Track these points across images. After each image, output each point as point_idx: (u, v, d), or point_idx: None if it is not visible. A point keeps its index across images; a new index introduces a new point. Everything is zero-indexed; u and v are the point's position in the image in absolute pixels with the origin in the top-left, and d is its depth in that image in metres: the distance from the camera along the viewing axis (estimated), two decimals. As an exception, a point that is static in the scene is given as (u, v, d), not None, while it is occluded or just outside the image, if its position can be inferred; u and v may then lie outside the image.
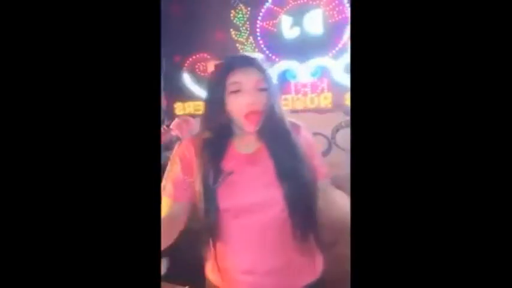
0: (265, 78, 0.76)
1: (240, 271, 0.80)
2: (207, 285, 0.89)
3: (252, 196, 0.75)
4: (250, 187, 0.75)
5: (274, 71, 1.77)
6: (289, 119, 0.83)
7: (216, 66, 0.79)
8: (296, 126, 0.83)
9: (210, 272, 0.87)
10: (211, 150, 0.78)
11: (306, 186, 0.76)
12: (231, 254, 0.80)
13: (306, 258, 0.84)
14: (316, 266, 0.89)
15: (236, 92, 0.74)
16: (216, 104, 0.77)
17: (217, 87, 0.77)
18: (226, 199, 0.75)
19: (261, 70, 0.76)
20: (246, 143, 0.81)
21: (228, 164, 0.77)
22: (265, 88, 0.75)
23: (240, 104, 0.74)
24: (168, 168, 0.84)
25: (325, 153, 1.74)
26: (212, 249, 0.81)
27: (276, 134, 0.78)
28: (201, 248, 0.84)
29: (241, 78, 0.74)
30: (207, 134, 0.79)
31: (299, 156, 0.77)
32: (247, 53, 0.83)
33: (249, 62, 0.76)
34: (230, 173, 0.75)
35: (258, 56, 0.80)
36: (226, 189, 0.75)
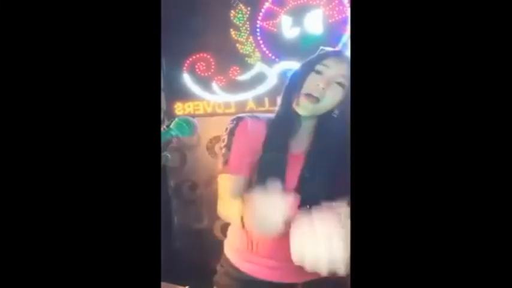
0: (348, 78, 0.75)
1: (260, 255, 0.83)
2: (225, 264, 0.92)
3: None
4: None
5: (274, 71, 1.78)
6: None
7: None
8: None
9: (230, 250, 0.91)
10: (277, 135, 0.81)
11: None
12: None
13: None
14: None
15: (315, 72, 0.76)
16: (294, 82, 0.80)
17: (303, 68, 0.80)
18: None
19: (349, 70, 0.74)
20: (298, 140, 0.81)
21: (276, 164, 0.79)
22: (342, 83, 0.75)
23: (310, 83, 0.76)
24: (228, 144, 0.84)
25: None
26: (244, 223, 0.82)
27: (325, 140, 0.78)
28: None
29: (329, 63, 0.76)
30: (276, 117, 0.82)
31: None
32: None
33: (345, 57, 0.78)
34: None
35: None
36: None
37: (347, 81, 0.75)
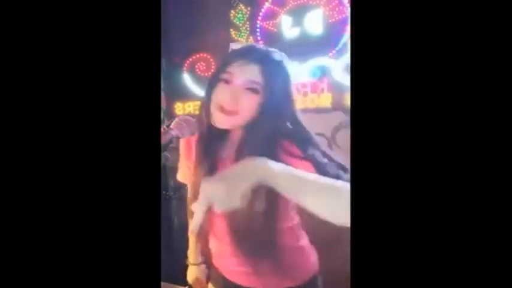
0: (263, 81, 0.68)
1: (234, 264, 0.82)
2: (212, 273, 0.94)
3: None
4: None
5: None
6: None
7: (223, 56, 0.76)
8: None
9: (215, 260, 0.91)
10: (206, 147, 0.78)
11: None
12: (224, 249, 0.82)
13: (299, 256, 0.84)
14: (310, 265, 0.88)
15: (223, 81, 0.70)
16: (206, 93, 0.74)
17: (213, 74, 0.74)
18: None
19: (263, 73, 0.69)
20: (225, 146, 0.78)
21: (219, 164, 0.78)
22: (254, 89, 0.68)
23: (220, 95, 0.70)
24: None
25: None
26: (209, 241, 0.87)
27: (253, 146, 0.69)
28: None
29: (235, 70, 0.69)
30: (201, 132, 0.77)
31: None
32: (266, 48, 0.74)
33: (255, 59, 0.70)
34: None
35: (276, 55, 0.73)
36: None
37: (258, 85, 0.68)
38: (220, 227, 0.80)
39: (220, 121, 0.71)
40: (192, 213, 0.86)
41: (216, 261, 0.91)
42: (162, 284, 0.88)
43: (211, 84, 0.73)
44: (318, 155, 0.66)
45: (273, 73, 0.70)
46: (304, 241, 0.88)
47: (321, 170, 0.63)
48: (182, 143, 0.87)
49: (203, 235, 0.93)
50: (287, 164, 0.55)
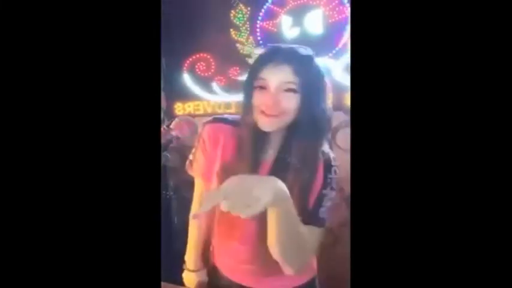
0: (298, 79, 0.69)
1: (238, 261, 0.82)
2: (211, 272, 0.93)
3: None
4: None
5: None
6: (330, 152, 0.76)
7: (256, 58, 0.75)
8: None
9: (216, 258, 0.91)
10: (246, 148, 0.76)
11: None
12: (231, 245, 0.83)
13: None
14: (310, 266, 0.88)
15: (259, 88, 0.71)
16: (245, 98, 0.75)
17: (246, 81, 0.74)
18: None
19: (295, 71, 0.69)
20: (264, 151, 0.78)
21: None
22: (292, 89, 0.69)
23: (261, 101, 0.70)
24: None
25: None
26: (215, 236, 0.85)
27: (296, 148, 0.72)
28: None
29: (268, 75, 0.70)
30: (243, 130, 0.77)
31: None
32: (291, 46, 0.74)
33: (284, 59, 0.70)
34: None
35: (303, 50, 0.73)
36: None
37: (294, 84, 0.69)
38: (231, 222, 0.79)
39: (265, 124, 0.71)
40: (196, 210, 0.86)
41: (218, 260, 0.90)
42: (162, 284, 0.88)
43: (247, 91, 0.74)
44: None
45: (306, 69, 0.70)
46: None
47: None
48: (206, 137, 0.82)
49: (205, 234, 0.92)
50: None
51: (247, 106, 0.74)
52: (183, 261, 0.97)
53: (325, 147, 0.77)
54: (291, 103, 0.69)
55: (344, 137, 1.70)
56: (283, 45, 0.75)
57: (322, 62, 1.70)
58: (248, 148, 0.76)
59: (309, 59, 0.73)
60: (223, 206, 0.52)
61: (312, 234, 0.70)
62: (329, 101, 0.76)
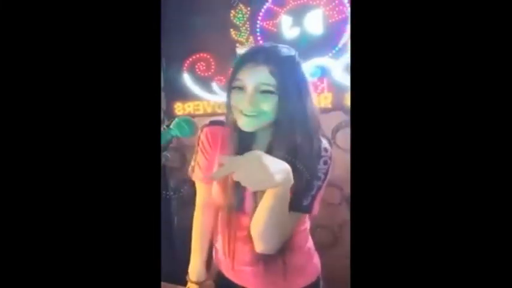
0: (275, 80, 0.68)
1: (243, 263, 0.82)
2: (214, 273, 0.92)
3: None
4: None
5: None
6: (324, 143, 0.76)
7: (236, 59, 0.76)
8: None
9: (219, 260, 0.90)
10: (235, 145, 0.78)
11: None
12: (237, 246, 0.83)
13: (306, 258, 0.85)
14: (313, 269, 0.89)
15: (237, 88, 0.71)
16: (226, 98, 0.76)
17: (227, 81, 0.75)
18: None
19: (273, 72, 0.68)
20: (253, 148, 0.78)
21: None
22: (269, 91, 0.69)
23: (239, 102, 0.71)
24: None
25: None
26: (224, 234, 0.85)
27: (284, 143, 0.71)
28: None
29: (245, 76, 0.70)
30: (232, 131, 0.78)
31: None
32: (274, 45, 0.74)
33: (262, 60, 0.69)
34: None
35: (285, 51, 0.72)
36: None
37: (271, 86, 0.68)
38: (234, 223, 0.80)
39: (244, 124, 0.72)
40: (199, 215, 0.87)
41: (223, 264, 0.89)
42: (162, 284, 0.88)
43: (228, 91, 0.75)
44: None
45: (283, 70, 0.69)
46: (311, 244, 0.89)
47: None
48: (205, 139, 0.84)
49: (208, 239, 0.92)
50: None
51: (228, 106, 0.75)
52: (184, 261, 0.96)
53: (315, 141, 0.76)
54: (267, 104, 0.69)
55: (344, 137, 1.70)
56: (266, 45, 0.75)
57: (322, 62, 1.71)
58: (235, 148, 0.77)
59: (290, 60, 0.72)
60: (236, 176, 0.55)
61: (292, 219, 0.72)
62: (312, 100, 0.75)
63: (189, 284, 0.93)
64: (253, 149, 0.74)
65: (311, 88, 0.75)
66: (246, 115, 0.70)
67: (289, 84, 0.69)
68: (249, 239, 0.77)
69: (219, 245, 0.89)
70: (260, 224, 0.67)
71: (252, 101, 0.69)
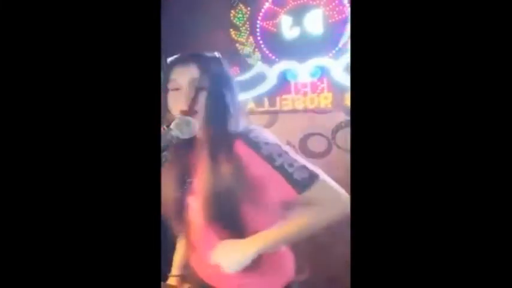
0: (206, 76, 0.72)
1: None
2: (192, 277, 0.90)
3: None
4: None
5: (274, 71, 1.78)
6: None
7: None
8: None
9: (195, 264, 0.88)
10: (179, 152, 0.79)
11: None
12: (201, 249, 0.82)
13: (278, 261, 0.81)
14: (288, 270, 0.84)
15: (174, 90, 0.74)
16: (165, 109, 0.77)
17: (163, 83, 0.77)
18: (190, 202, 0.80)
19: (202, 68, 0.73)
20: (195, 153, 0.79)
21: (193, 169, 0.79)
22: (201, 87, 0.72)
23: (175, 102, 0.73)
24: None
25: (325, 153, 1.74)
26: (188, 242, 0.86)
27: (214, 143, 0.73)
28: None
29: (177, 76, 0.73)
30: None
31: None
32: (193, 53, 0.79)
33: (192, 60, 0.74)
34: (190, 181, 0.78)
35: (209, 54, 0.77)
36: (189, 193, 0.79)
37: (202, 81, 0.72)
38: (205, 224, 0.78)
39: (178, 126, 0.71)
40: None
41: (195, 262, 0.88)
42: (162, 284, 0.88)
43: (164, 99, 0.76)
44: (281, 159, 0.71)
45: (211, 67, 0.74)
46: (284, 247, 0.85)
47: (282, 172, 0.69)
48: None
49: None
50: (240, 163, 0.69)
51: (168, 116, 0.76)
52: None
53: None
54: (202, 100, 0.72)
55: (344, 137, 1.70)
56: (192, 53, 0.79)
57: (322, 62, 1.71)
58: (179, 158, 0.79)
59: (215, 60, 0.77)
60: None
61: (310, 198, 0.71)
62: (240, 106, 0.79)
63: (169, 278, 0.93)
64: (197, 155, 0.78)
65: (237, 91, 0.79)
66: (187, 113, 0.71)
67: (217, 80, 0.74)
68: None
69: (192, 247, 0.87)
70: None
71: (189, 97, 0.71)
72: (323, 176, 0.72)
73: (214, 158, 0.73)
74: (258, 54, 1.82)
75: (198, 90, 0.72)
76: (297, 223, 0.73)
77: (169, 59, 0.80)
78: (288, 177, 0.69)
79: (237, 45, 1.86)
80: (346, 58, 1.65)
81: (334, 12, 1.66)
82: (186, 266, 0.91)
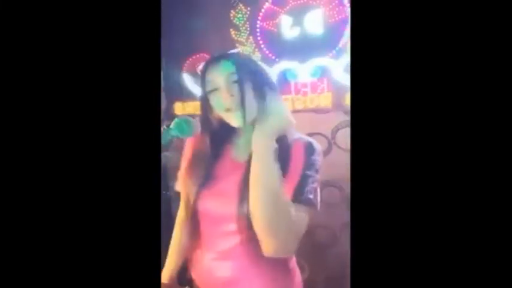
0: (241, 70, 0.72)
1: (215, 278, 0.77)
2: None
3: (232, 207, 0.72)
4: (231, 196, 0.72)
5: (274, 71, 1.77)
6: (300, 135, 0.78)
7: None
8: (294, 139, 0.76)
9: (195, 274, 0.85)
10: (206, 152, 0.79)
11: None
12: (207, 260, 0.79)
13: (281, 281, 0.78)
14: (295, 286, 0.82)
15: (213, 90, 0.73)
16: (203, 103, 0.78)
17: (201, 88, 0.77)
18: (208, 205, 0.76)
19: (236, 63, 0.73)
20: (240, 149, 0.79)
21: (219, 171, 0.78)
22: (236, 80, 0.71)
23: (218, 101, 0.73)
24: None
25: (325, 153, 1.74)
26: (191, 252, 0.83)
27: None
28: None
29: (213, 76, 0.73)
30: (205, 135, 0.80)
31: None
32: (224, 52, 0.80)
33: (222, 58, 0.75)
34: (213, 179, 0.77)
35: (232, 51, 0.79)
36: (210, 195, 0.76)
37: (236, 75, 0.71)
38: (218, 237, 0.76)
39: (234, 119, 0.73)
40: (177, 231, 0.85)
41: (197, 274, 0.84)
42: (162, 283, 0.88)
43: (203, 99, 0.77)
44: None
45: (243, 61, 0.76)
46: (294, 261, 0.83)
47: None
48: (190, 150, 0.85)
49: (184, 255, 0.88)
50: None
51: (204, 110, 0.78)
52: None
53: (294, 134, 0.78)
54: (238, 93, 0.71)
55: (344, 137, 1.70)
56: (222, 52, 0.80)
57: (322, 62, 1.71)
58: (217, 149, 0.80)
59: (246, 56, 0.80)
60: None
61: (299, 212, 0.66)
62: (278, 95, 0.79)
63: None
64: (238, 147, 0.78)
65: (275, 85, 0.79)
66: (230, 111, 0.72)
67: (252, 74, 0.74)
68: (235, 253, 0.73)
69: (196, 258, 0.84)
70: (258, 211, 0.64)
71: (229, 94, 0.71)
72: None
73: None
74: (258, 54, 1.82)
75: (236, 84, 0.71)
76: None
77: (200, 66, 0.82)
78: (304, 188, 0.69)
79: (237, 45, 1.86)
80: (346, 58, 1.65)
81: (334, 12, 1.66)
82: (184, 272, 0.88)
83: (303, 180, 0.70)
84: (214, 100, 0.74)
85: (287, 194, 0.67)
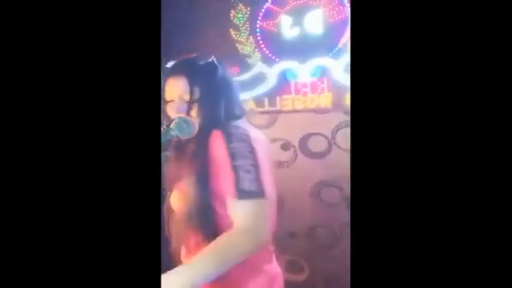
0: (196, 89, 0.75)
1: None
2: None
3: None
4: None
5: (274, 71, 1.78)
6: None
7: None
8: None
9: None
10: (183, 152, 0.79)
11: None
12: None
13: (261, 277, 0.78)
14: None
15: (170, 101, 0.78)
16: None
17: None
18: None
19: (192, 81, 0.75)
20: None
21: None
22: (193, 101, 0.75)
23: (172, 112, 0.77)
24: None
25: (325, 153, 1.74)
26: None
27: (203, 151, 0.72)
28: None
29: (170, 88, 0.77)
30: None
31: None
32: (188, 57, 0.83)
33: (183, 71, 0.77)
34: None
35: (202, 61, 0.80)
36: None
37: (193, 95, 0.75)
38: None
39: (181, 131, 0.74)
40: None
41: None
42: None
43: (163, 106, 0.80)
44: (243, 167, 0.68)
45: (202, 77, 0.77)
46: (275, 269, 0.82)
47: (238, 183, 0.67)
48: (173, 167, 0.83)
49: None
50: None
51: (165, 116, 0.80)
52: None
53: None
54: (194, 111, 0.75)
55: (344, 137, 1.70)
56: (187, 58, 0.83)
57: (322, 62, 1.71)
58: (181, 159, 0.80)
59: (208, 67, 0.80)
60: None
61: (245, 208, 0.66)
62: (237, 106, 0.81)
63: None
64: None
65: (234, 85, 0.82)
66: (179, 122, 0.73)
67: (208, 91, 0.76)
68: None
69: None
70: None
71: (180, 110, 0.75)
72: (267, 201, 0.68)
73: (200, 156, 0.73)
74: (258, 54, 1.82)
75: (188, 104, 0.75)
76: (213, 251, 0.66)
77: (165, 66, 0.82)
78: (237, 181, 0.67)
79: (237, 45, 1.85)
80: (346, 58, 1.65)
81: (334, 12, 1.66)
82: None
83: (236, 174, 0.67)
84: (168, 109, 0.78)
85: (230, 195, 0.67)
